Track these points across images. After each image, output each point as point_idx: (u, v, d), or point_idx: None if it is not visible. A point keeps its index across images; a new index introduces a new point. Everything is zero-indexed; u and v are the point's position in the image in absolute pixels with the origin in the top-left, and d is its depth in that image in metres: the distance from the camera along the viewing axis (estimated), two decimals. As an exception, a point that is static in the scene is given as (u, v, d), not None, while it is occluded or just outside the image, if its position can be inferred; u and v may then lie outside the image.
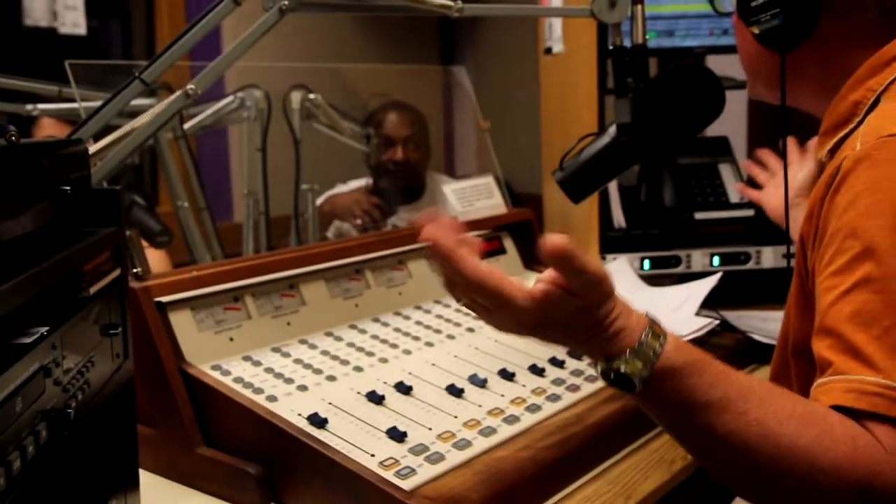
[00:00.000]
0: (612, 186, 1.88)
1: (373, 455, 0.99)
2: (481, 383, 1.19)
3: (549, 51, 2.18)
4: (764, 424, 0.74)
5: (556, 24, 2.10)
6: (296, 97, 1.84)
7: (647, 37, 1.21)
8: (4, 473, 0.60)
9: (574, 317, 0.77)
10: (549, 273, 0.77)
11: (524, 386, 1.21)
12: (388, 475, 0.95)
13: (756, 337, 1.50)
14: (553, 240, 0.73)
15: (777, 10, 0.95)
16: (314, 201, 1.92)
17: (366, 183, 2.51)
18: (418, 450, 1.01)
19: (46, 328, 0.71)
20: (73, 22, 2.96)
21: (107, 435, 0.92)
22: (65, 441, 0.74)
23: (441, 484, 0.96)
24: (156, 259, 2.38)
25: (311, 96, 1.83)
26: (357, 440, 1.01)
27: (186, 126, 1.70)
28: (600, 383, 1.28)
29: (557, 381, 1.24)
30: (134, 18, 3.55)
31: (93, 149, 0.96)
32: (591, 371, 1.30)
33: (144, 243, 1.97)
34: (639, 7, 1.14)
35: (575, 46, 2.01)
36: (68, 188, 0.79)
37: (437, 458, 1.00)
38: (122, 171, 1.98)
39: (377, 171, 2.53)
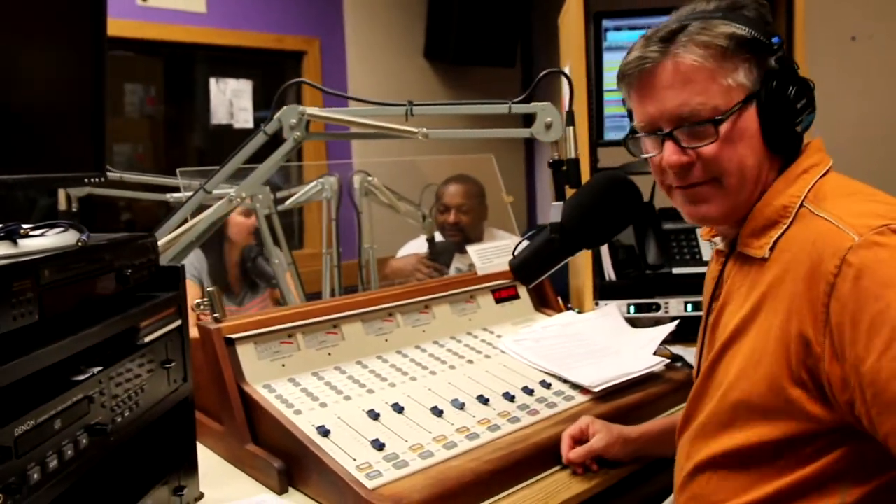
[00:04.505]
0: (604, 247, 1.86)
1: (354, 459, 1.04)
2: (460, 406, 1.21)
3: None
4: None
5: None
6: (357, 179, 1.93)
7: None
8: (40, 471, 0.70)
9: None
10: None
11: (494, 409, 1.22)
12: (360, 476, 1.00)
13: None
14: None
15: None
16: (374, 255, 1.99)
17: (418, 248, 2.45)
18: (390, 457, 1.05)
19: (100, 368, 0.82)
20: (244, 119, 3.21)
21: (171, 431, 1.03)
22: (129, 441, 0.85)
23: (397, 485, 0.99)
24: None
25: (370, 178, 1.91)
26: (347, 447, 1.07)
27: (287, 203, 1.82)
28: (558, 408, 1.29)
29: (522, 406, 1.24)
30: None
31: (162, 241, 1.07)
32: (553, 398, 1.30)
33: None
34: (570, 128, 1.12)
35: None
36: (129, 270, 0.90)
37: (401, 464, 1.04)
38: (254, 234, 2.13)
39: (439, 229, 2.49)
